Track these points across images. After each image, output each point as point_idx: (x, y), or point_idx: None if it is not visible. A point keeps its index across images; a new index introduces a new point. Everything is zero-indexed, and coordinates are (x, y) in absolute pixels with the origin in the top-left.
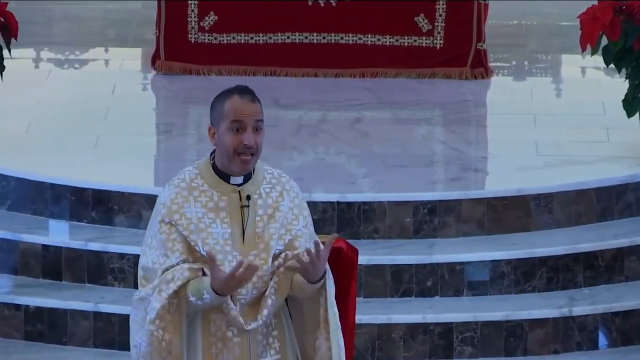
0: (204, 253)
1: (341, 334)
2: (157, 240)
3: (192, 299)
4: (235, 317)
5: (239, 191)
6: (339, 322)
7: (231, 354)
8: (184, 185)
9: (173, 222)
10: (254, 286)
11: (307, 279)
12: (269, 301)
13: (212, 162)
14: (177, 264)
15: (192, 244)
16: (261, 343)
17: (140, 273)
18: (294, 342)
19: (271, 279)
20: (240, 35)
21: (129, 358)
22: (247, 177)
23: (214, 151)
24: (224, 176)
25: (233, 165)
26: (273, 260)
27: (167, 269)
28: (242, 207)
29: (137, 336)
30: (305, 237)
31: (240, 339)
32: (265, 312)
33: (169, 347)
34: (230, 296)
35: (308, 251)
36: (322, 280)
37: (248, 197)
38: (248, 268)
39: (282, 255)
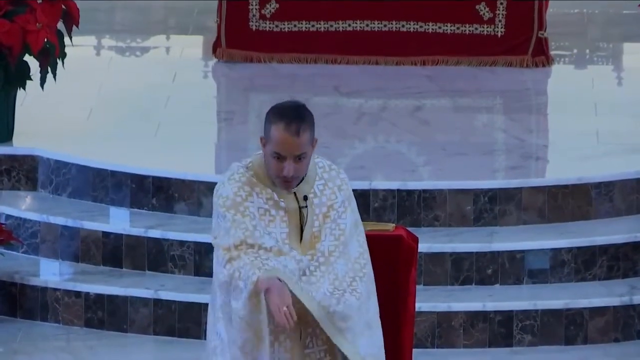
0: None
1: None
2: (233, 220)
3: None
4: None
5: (295, 192)
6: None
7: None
8: (245, 180)
9: (240, 213)
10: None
11: None
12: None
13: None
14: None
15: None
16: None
17: (225, 256)
18: None
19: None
20: (302, 23)
21: (189, 345)
22: (301, 178)
23: None
24: None
25: (277, 184)
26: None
27: (256, 246)
28: (300, 207)
29: (235, 302)
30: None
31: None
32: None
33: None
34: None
35: None
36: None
37: (305, 198)
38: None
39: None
